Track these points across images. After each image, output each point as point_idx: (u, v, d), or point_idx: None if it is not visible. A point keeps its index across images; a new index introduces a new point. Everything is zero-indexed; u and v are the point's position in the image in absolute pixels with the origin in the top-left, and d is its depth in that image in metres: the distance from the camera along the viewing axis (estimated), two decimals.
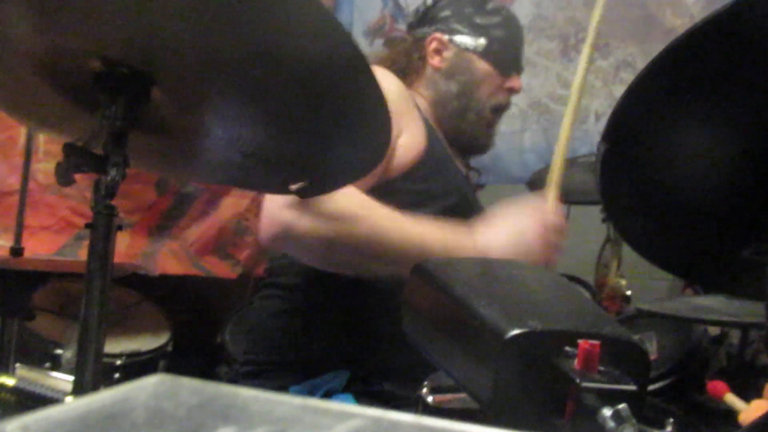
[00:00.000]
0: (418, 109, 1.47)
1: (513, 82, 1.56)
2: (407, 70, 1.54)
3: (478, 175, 1.75)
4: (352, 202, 1.20)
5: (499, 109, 1.58)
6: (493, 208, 1.36)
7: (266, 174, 0.98)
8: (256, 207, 2.45)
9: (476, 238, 1.27)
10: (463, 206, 1.45)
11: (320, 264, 1.29)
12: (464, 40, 1.53)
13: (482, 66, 1.53)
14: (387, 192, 1.34)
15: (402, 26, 2.84)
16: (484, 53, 1.53)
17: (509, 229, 1.27)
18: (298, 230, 1.18)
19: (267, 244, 1.31)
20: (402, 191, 1.36)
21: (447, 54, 1.54)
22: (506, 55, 1.55)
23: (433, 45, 1.55)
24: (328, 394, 1.26)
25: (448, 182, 1.46)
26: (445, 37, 1.54)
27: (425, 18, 1.59)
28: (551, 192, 1.32)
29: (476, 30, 1.54)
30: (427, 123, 1.48)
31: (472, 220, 1.41)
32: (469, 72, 1.53)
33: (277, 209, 1.20)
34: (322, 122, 0.84)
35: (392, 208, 1.23)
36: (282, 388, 1.28)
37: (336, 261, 1.25)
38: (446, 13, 1.56)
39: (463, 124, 1.55)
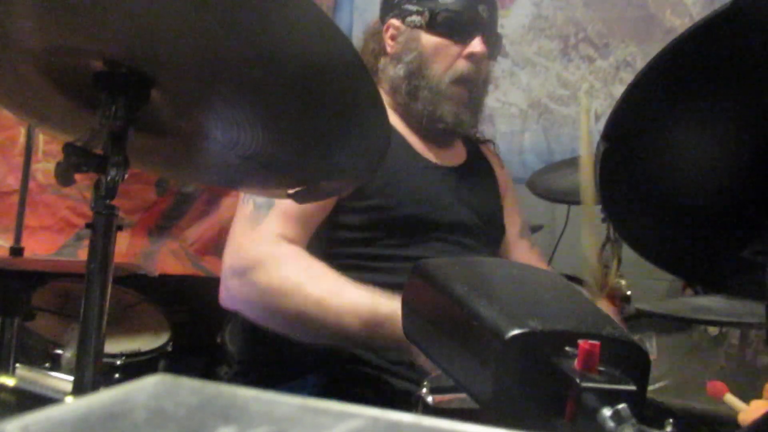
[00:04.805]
0: None
1: (472, 47, 1.44)
2: (369, 64, 1.48)
3: (493, 146, 1.69)
4: (289, 272, 1.23)
5: (463, 80, 1.46)
6: None
7: (265, 177, 0.98)
8: None
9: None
10: (418, 214, 1.39)
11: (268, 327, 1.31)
12: (413, 18, 1.46)
13: (430, 40, 1.44)
14: (336, 211, 1.34)
15: None
16: (431, 26, 1.44)
17: None
18: (239, 300, 1.28)
19: (223, 305, 1.36)
20: (349, 209, 1.34)
21: (400, 38, 1.48)
22: (459, 21, 1.44)
23: (390, 32, 1.50)
24: None
25: (403, 191, 1.39)
26: (399, 21, 1.48)
27: (384, 7, 1.54)
28: None
29: (422, 4, 1.45)
30: None
31: (431, 223, 1.40)
32: (416, 50, 1.45)
33: (225, 276, 1.28)
34: (320, 126, 0.84)
35: (336, 276, 1.22)
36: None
37: (274, 328, 1.27)
38: None
39: (419, 104, 1.45)
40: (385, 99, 1.48)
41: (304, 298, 1.20)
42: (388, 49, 1.49)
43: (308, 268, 1.24)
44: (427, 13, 1.44)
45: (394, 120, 1.48)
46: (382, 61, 1.50)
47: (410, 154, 1.47)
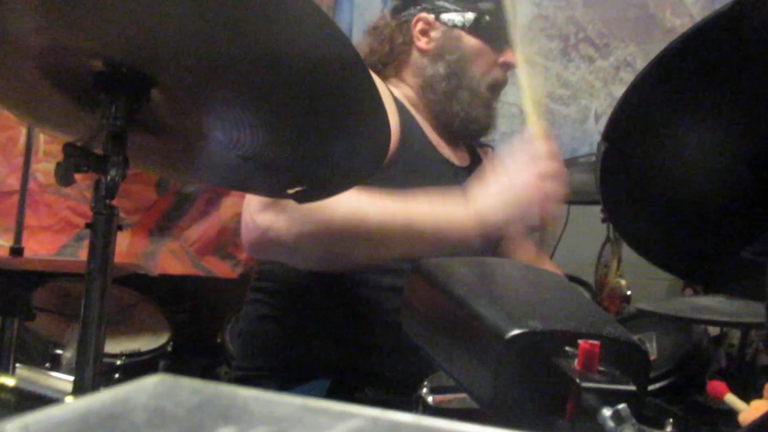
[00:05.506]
0: (396, 101, 1.42)
1: (507, 57, 1.45)
2: (390, 57, 1.48)
3: (491, 150, 1.68)
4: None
5: (496, 87, 1.49)
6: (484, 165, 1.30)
7: (265, 177, 0.98)
8: None
9: (470, 207, 1.22)
10: None
11: (310, 264, 1.25)
12: (451, 16, 1.45)
13: (472, 42, 1.45)
14: None
15: None
16: (474, 29, 1.44)
17: (503, 188, 1.22)
18: (278, 231, 1.16)
19: (252, 253, 1.29)
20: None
21: (434, 34, 1.46)
22: (498, 29, 1.45)
23: (419, 26, 1.47)
24: None
25: (421, 179, 1.37)
26: (431, 17, 1.46)
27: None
28: (535, 130, 1.29)
29: (463, 4, 1.45)
30: (404, 114, 1.42)
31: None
32: (459, 50, 1.45)
33: (253, 215, 1.18)
34: (320, 126, 0.84)
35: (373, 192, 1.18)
36: None
37: (323, 256, 1.22)
38: None
39: (455, 105, 1.46)
40: (407, 93, 1.48)
41: (358, 198, 1.15)
42: (421, 44, 1.47)
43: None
44: (470, 15, 1.45)
45: (416, 114, 1.48)
46: (414, 55, 1.49)
47: (429, 146, 1.47)
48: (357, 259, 1.24)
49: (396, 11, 1.53)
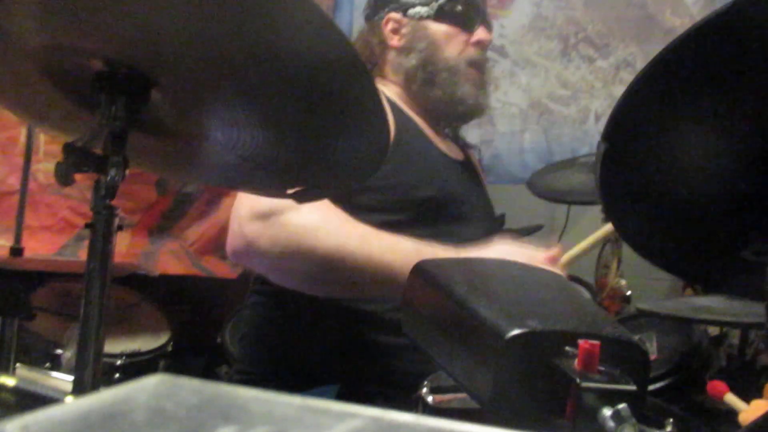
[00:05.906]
0: (388, 100, 1.42)
1: (479, 35, 1.49)
2: (371, 61, 1.51)
3: (479, 152, 1.71)
4: (318, 215, 1.17)
5: (477, 64, 1.51)
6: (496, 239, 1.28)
7: (265, 177, 0.98)
8: None
9: (455, 253, 1.21)
10: (440, 196, 1.40)
11: (287, 282, 1.25)
12: (417, 10, 1.49)
13: (440, 28, 1.48)
14: (356, 188, 1.30)
15: None
16: (439, 16, 1.48)
17: (495, 250, 1.21)
18: (262, 245, 1.17)
19: (233, 260, 1.30)
20: (371, 187, 1.31)
21: (404, 30, 1.50)
22: (465, 11, 1.49)
23: (390, 26, 1.51)
24: None
25: (422, 172, 1.41)
26: (399, 15, 1.50)
27: (378, 3, 1.55)
28: (563, 254, 1.30)
29: None
30: (397, 111, 1.43)
31: (452, 209, 1.40)
32: (427, 38, 1.48)
33: (242, 223, 1.19)
34: (320, 126, 0.84)
35: (366, 225, 1.20)
36: None
37: (300, 279, 1.23)
38: None
39: (436, 90, 1.48)
40: (395, 91, 1.50)
41: (346, 234, 1.17)
42: (393, 43, 1.51)
43: (340, 213, 1.20)
44: (435, 4, 1.48)
45: (408, 110, 1.49)
46: (390, 54, 1.51)
47: (425, 141, 1.48)
48: (332, 290, 1.25)
49: (369, 17, 1.57)
